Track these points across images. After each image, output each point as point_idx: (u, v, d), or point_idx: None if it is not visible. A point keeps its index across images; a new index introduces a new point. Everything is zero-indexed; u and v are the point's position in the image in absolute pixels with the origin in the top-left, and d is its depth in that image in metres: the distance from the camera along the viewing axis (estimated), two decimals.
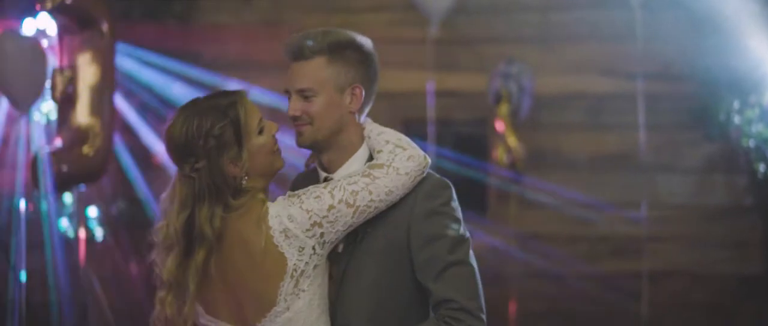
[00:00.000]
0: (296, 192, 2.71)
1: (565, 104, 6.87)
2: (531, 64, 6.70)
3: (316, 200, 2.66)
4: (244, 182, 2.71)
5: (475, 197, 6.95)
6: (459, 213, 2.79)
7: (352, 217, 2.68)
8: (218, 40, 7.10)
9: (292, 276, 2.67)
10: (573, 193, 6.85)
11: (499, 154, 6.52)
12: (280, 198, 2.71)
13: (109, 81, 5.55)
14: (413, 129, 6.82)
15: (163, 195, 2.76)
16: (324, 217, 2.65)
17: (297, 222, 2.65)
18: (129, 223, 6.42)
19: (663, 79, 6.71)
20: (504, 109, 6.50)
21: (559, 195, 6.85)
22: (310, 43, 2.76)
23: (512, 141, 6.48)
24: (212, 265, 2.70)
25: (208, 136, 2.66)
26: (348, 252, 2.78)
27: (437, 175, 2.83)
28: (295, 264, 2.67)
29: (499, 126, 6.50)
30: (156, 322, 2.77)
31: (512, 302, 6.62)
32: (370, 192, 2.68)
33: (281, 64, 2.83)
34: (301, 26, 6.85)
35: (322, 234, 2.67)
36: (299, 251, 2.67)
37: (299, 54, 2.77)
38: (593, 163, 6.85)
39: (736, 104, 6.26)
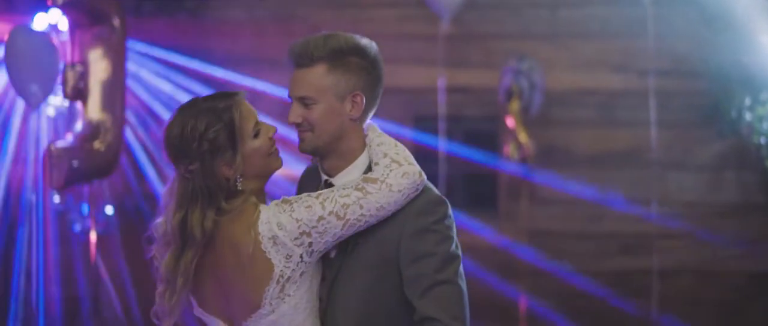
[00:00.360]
0: (289, 198, 2.72)
1: (576, 101, 6.87)
2: (542, 60, 6.70)
3: (306, 210, 2.67)
4: (238, 184, 2.73)
5: (485, 193, 6.96)
6: (452, 231, 2.78)
7: (342, 229, 2.69)
8: (230, 35, 7.11)
9: (278, 282, 2.70)
10: (583, 190, 6.84)
11: (510, 150, 6.52)
12: (272, 204, 2.73)
13: (120, 76, 5.56)
14: (424, 125, 6.84)
15: (164, 190, 2.80)
16: (313, 228, 2.67)
17: (286, 231, 2.67)
18: (140, 218, 6.44)
19: (674, 76, 6.70)
20: (515, 105, 6.50)
21: (569, 192, 6.85)
22: (311, 50, 2.75)
23: (523, 137, 6.48)
24: (205, 262, 2.74)
25: (202, 140, 2.68)
26: (340, 259, 2.79)
27: (434, 191, 2.81)
28: (281, 271, 2.69)
29: (510, 122, 6.50)
30: (156, 315, 2.82)
31: (522, 298, 6.62)
32: (361, 207, 2.69)
33: None
34: (313, 21, 6.92)
35: (310, 244, 2.68)
36: (286, 258, 2.69)
37: (300, 61, 2.77)
38: (604, 160, 6.85)
39: (747, 101, 6.26)
